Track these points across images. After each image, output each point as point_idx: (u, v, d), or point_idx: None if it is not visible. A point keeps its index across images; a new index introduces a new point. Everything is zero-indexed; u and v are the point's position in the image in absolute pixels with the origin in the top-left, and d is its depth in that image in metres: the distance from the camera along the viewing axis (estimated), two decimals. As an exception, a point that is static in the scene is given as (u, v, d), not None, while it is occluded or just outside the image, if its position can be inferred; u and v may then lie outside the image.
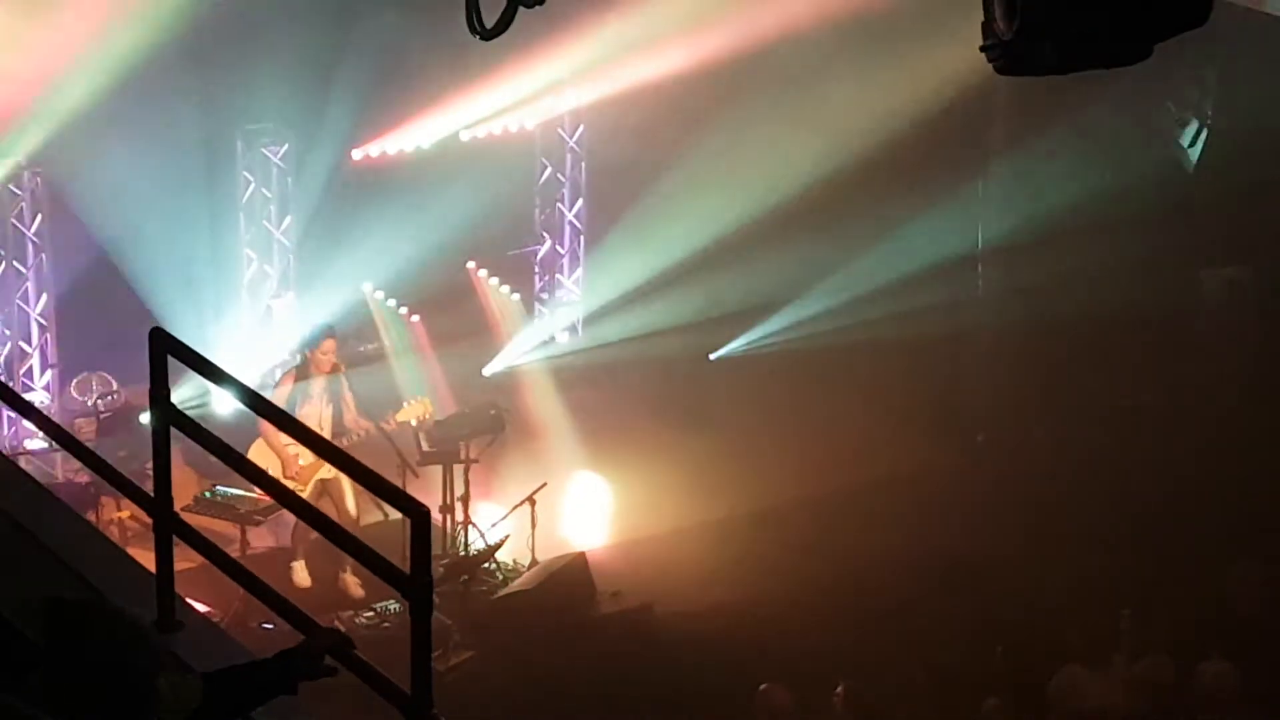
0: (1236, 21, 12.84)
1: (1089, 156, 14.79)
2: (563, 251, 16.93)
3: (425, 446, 12.73)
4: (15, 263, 13.70)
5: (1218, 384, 14.65)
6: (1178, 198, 14.66)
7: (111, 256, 13.70)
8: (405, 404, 12.38)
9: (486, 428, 13.06)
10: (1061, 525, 13.03)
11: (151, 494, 5.49)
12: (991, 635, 10.90)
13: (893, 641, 11.27)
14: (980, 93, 14.14)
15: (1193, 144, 15.38)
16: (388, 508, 8.40)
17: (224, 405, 12.56)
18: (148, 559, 5.62)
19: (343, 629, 11.04)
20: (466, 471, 12.63)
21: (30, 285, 13.81)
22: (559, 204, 16.80)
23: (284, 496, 5.86)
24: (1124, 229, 14.51)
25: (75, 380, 14.04)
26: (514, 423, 13.79)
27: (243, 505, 11.64)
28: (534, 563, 12.49)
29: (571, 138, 16.58)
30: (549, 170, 16.66)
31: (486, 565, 12.24)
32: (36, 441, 13.36)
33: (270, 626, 10.05)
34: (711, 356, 16.42)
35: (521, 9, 4.41)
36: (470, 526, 12.57)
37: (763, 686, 9.90)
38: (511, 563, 12.58)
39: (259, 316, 14.67)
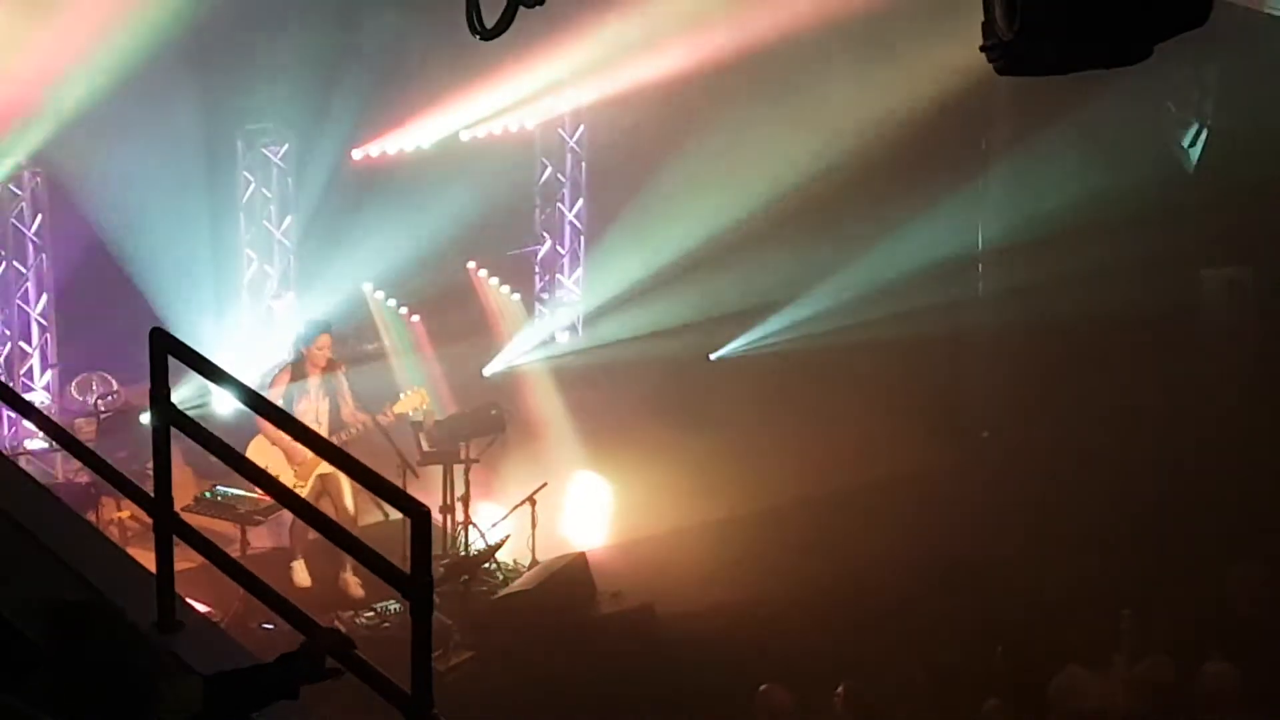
0: (1236, 21, 12.84)
1: (1089, 156, 14.79)
2: (563, 251, 16.94)
3: (425, 447, 12.74)
4: (15, 263, 13.71)
5: (1218, 384, 14.65)
6: (1178, 198, 14.65)
7: (112, 256, 13.70)
8: (402, 395, 12.39)
9: (487, 428, 13.06)
10: (1061, 525, 13.03)
11: (151, 494, 5.49)
12: (992, 635, 10.89)
13: (893, 641, 11.26)
14: (980, 93, 14.14)
15: (1193, 144, 15.38)
16: (388, 508, 8.41)
17: (224, 405, 12.57)
18: (148, 559, 5.62)
19: (343, 629, 11.06)
20: (467, 472, 12.63)
21: (30, 285, 13.82)
22: (559, 204, 16.81)
23: (284, 496, 5.86)
24: (1124, 229, 14.50)
25: (75, 380, 14.05)
26: (514, 423, 13.80)
27: (243, 505, 11.64)
28: (534, 563, 12.49)
29: (572, 138, 16.59)
30: (549, 170, 16.67)
31: (487, 565, 12.24)
32: (37, 441, 13.37)
33: (271, 627, 10.05)
34: (712, 356, 16.42)
35: (522, 9, 4.41)
36: (470, 527, 12.57)
37: (763, 687, 9.89)
38: (512, 563, 12.58)
39: (259, 316, 14.67)
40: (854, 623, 11.69)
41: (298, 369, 12.16)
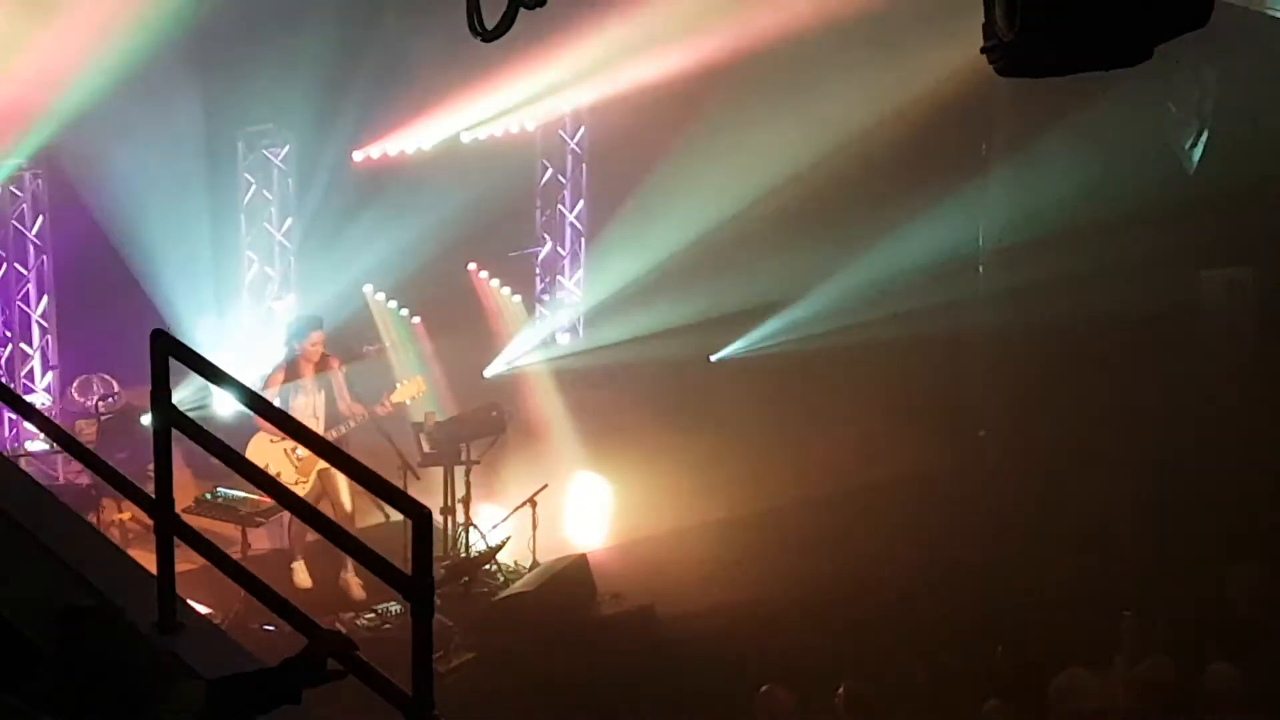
0: (1237, 22, 12.84)
1: (1089, 157, 14.78)
2: (563, 253, 16.94)
3: (426, 448, 12.74)
4: (16, 264, 13.73)
5: (1218, 384, 14.64)
6: (1178, 198, 14.64)
7: (113, 258, 13.71)
8: (398, 385, 12.39)
9: (487, 429, 13.06)
10: (1061, 525, 13.03)
11: (152, 495, 5.49)
12: (992, 635, 10.90)
13: (893, 641, 11.26)
14: (981, 94, 14.14)
15: (1193, 145, 15.37)
16: (389, 509, 8.41)
17: (224, 406, 12.58)
18: (149, 560, 5.62)
19: (344, 630, 11.08)
20: (468, 473, 12.64)
21: (31, 286, 13.84)
22: (560, 205, 16.81)
23: (284, 497, 5.87)
24: (1124, 229, 14.50)
25: (76, 382, 14.06)
26: (515, 424, 13.80)
27: (243, 507, 11.64)
28: (535, 564, 12.49)
29: (572, 139, 16.59)
30: (550, 172, 16.67)
31: (487, 567, 12.24)
32: (37, 443, 13.38)
33: (271, 628, 10.05)
34: (712, 358, 16.42)
35: (522, 10, 4.42)
36: (471, 528, 12.58)
37: (764, 687, 9.89)
38: (513, 564, 12.58)
39: (260, 318, 14.68)
40: (854, 623, 11.69)
41: (292, 367, 12.16)
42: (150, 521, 5.55)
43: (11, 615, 4.91)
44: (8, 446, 13.34)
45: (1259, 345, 14.71)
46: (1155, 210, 14.60)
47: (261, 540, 12.22)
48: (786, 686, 9.90)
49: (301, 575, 12.09)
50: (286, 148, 14.65)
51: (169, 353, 5.32)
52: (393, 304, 15.29)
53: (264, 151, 14.59)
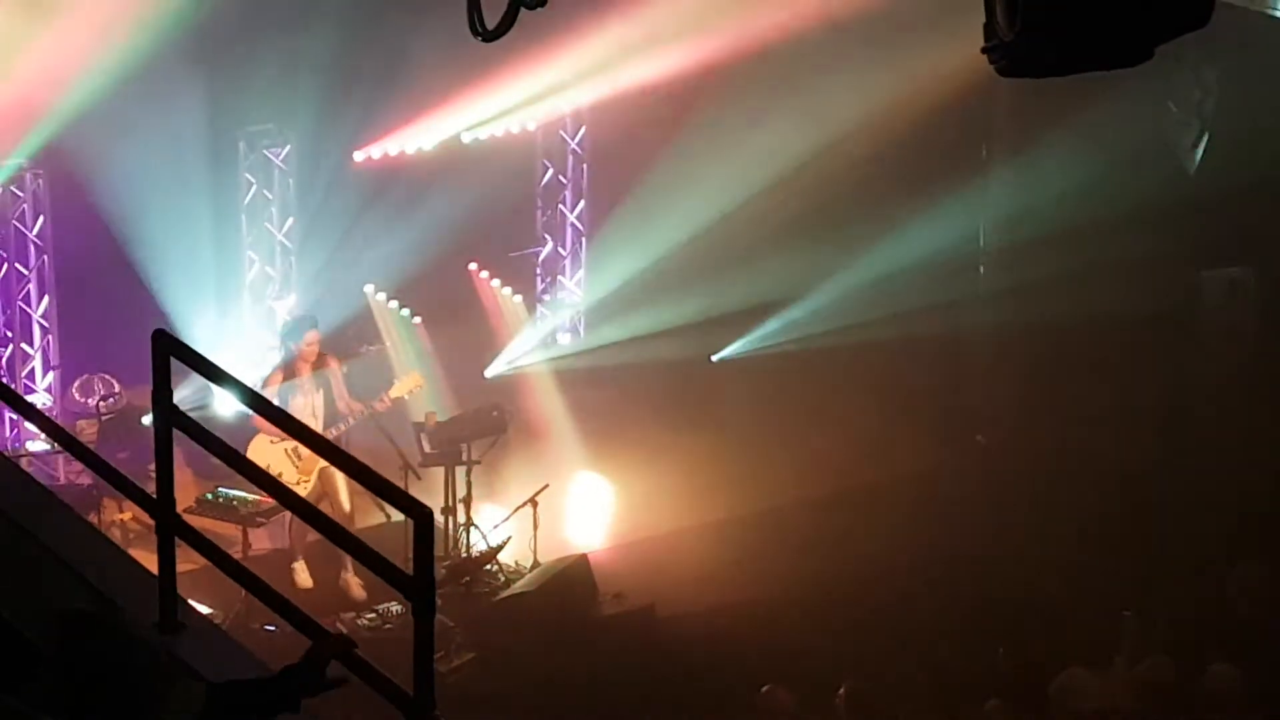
0: (1237, 22, 12.84)
1: (1090, 157, 14.77)
2: (564, 253, 16.94)
3: (427, 448, 12.75)
4: (18, 264, 13.72)
5: (1218, 384, 14.64)
6: (1178, 198, 14.64)
7: (114, 258, 13.70)
8: (396, 380, 12.39)
9: (488, 429, 13.07)
10: (1061, 525, 13.03)
11: (153, 495, 5.49)
12: (992, 635, 10.91)
13: (893, 641, 11.27)
14: (982, 94, 14.14)
15: (1194, 145, 15.37)
16: (389, 509, 8.41)
17: (225, 406, 12.58)
18: (150, 560, 5.63)
19: (345, 630, 11.09)
20: (469, 473, 12.64)
21: (32, 287, 13.83)
22: (560, 205, 16.81)
23: (285, 497, 5.87)
24: (1124, 229, 14.50)
25: (77, 382, 14.06)
26: (516, 424, 13.80)
27: (244, 507, 11.65)
28: (536, 564, 12.50)
29: (573, 139, 16.59)
30: (550, 172, 16.67)
31: (488, 567, 12.25)
32: (38, 443, 13.38)
33: (273, 628, 10.06)
34: (713, 358, 16.42)
35: (523, 10, 4.42)
36: (472, 528, 12.58)
37: (765, 688, 9.91)
38: (513, 564, 12.59)
39: (261, 318, 14.68)
40: (854, 623, 11.70)
41: (289, 368, 12.17)
42: (151, 521, 5.55)
43: (11, 615, 4.91)
44: (9, 446, 13.34)
45: (1259, 345, 14.70)
46: (1155, 210, 14.59)
47: (262, 540, 12.22)
48: (786, 686, 9.91)
49: (302, 575, 12.09)
50: (287, 148, 14.65)
51: (170, 353, 5.33)
52: (394, 304, 15.30)
53: (265, 151, 14.59)
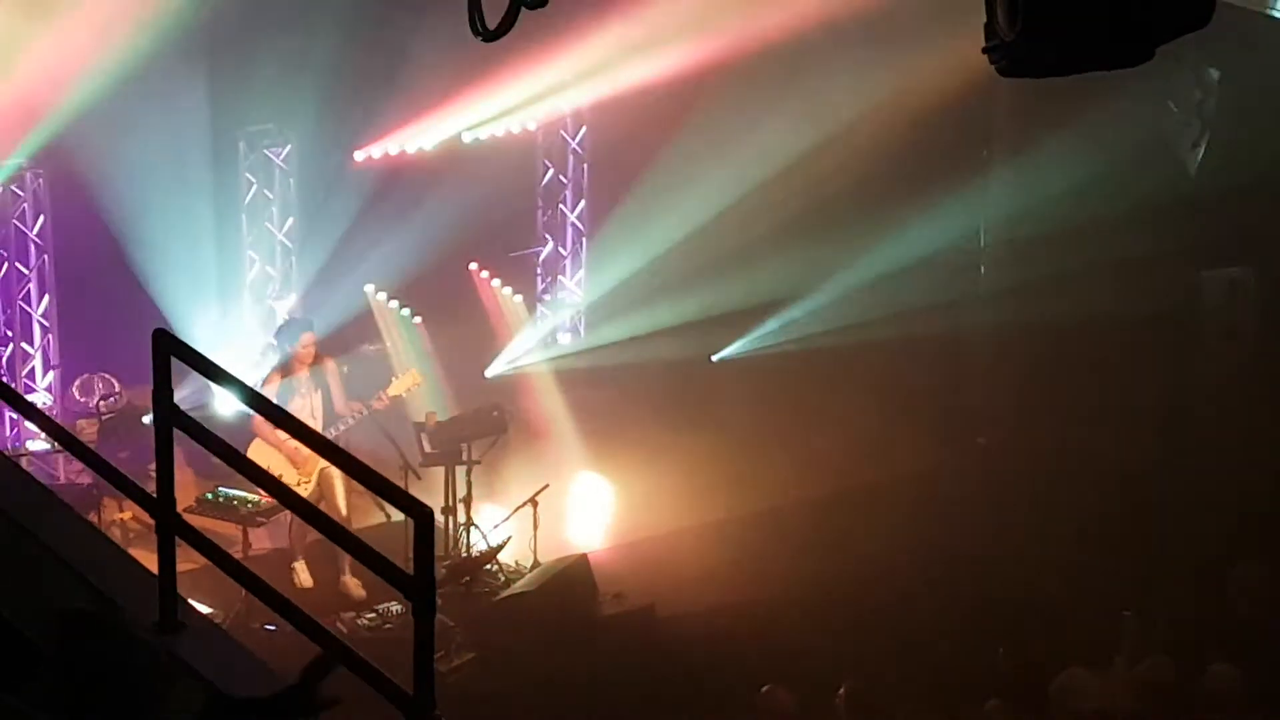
0: (1237, 22, 12.84)
1: (1090, 157, 14.77)
2: (565, 253, 16.94)
3: (427, 448, 12.75)
4: (18, 263, 13.72)
5: (1218, 384, 14.64)
6: (1178, 198, 14.64)
7: (114, 257, 13.71)
8: (394, 378, 12.39)
9: (489, 429, 13.07)
10: (1061, 525, 13.03)
11: (154, 495, 5.49)
12: (992, 635, 10.90)
13: (893, 641, 11.27)
14: (982, 94, 14.14)
15: (1194, 145, 15.36)
16: (390, 509, 8.40)
17: (225, 406, 12.58)
18: (150, 560, 5.63)
19: (345, 630, 11.09)
20: (469, 473, 12.64)
21: (33, 286, 13.84)
22: (561, 205, 16.81)
23: (286, 497, 5.87)
24: (1125, 229, 14.50)
25: (77, 381, 14.06)
26: (516, 424, 13.80)
27: (245, 506, 11.64)
28: (536, 564, 12.50)
29: (574, 139, 16.59)
30: (551, 172, 16.67)
31: (489, 567, 12.24)
32: (38, 442, 13.37)
33: (273, 628, 10.06)
34: (713, 358, 16.42)
35: (524, 10, 4.42)
36: (472, 528, 12.58)
37: (765, 688, 9.90)
38: (514, 564, 12.58)
39: (261, 318, 14.68)
40: (854, 623, 11.70)
41: (286, 370, 12.16)
42: (151, 521, 5.55)
43: (11, 615, 4.91)
44: (9, 446, 13.34)
45: (1259, 345, 14.70)
46: (1155, 210, 14.59)
47: (263, 540, 12.22)
48: (786, 686, 9.90)
49: (302, 575, 12.09)
50: (288, 147, 14.65)
51: (171, 352, 5.33)
52: (394, 304, 15.29)
53: (265, 151, 14.58)
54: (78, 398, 14.02)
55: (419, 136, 15.11)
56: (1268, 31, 13.47)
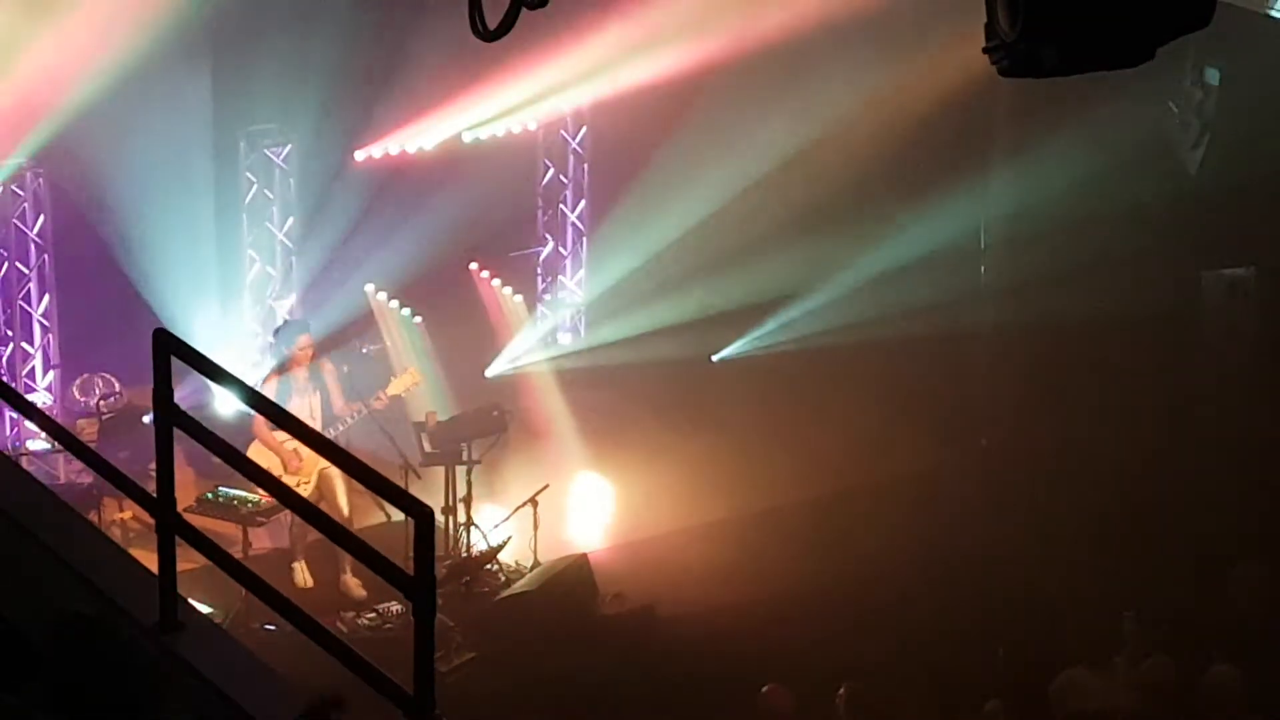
0: (1238, 22, 12.84)
1: (1091, 156, 14.77)
2: (565, 253, 16.94)
3: (428, 448, 12.75)
4: (18, 263, 13.72)
5: (1218, 384, 14.64)
6: (1178, 198, 14.65)
7: (114, 257, 13.71)
8: (393, 377, 12.38)
9: (489, 429, 13.06)
10: (1061, 525, 13.03)
11: (154, 495, 5.49)
12: (992, 636, 10.91)
13: (893, 641, 11.27)
14: (983, 93, 14.14)
15: (1194, 145, 15.37)
16: (390, 509, 8.41)
17: (225, 406, 12.58)
18: (150, 560, 5.63)
19: (345, 630, 11.09)
20: (469, 472, 12.64)
21: (33, 286, 13.83)
22: (561, 205, 16.81)
23: (286, 497, 5.88)
24: (1125, 229, 14.51)
25: (77, 381, 14.05)
26: (516, 424, 13.79)
27: (245, 506, 11.63)
28: (536, 564, 12.49)
29: (574, 139, 16.59)
30: (551, 171, 16.67)
31: (489, 566, 12.24)
32: (39, 442, 13.37)
33: (273, 628, 10.06)
34: (714, 358, 16.42)
35: (524, 10, 4.42)
36: (473, 527, 12.58)
37: (765, 688, 9.91)
38: (514, 564, 12.58)
39: (261, 318, 14.68)
40: (854, 623, 11.70)
41: (283, 371, 12.14)
42: (152, 520, 5.56)
43: (12, 615, 4.92)
44: (9, 445, 13.34)
45: (1259, 345, 14.71)
46: (1156, 209, 14.61)
47: (263, 540, 12.21)
48: (786, 686, 9.91)
49: (302, 575, 12.09)
50: (288, 147, 14.64)
51: (171, 351, 5.33)
52: (394, 303, 15.29)
53: (266, 151, 14.58)
54: (78, 397, 14.02)
55: (419, 136, 15.10)
56: (1268, 31, 13.48)
